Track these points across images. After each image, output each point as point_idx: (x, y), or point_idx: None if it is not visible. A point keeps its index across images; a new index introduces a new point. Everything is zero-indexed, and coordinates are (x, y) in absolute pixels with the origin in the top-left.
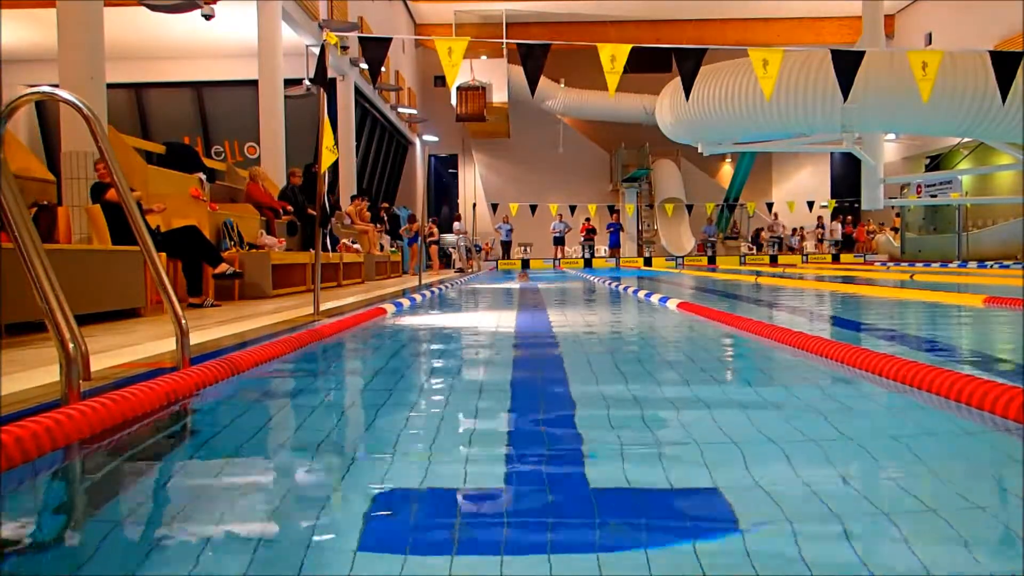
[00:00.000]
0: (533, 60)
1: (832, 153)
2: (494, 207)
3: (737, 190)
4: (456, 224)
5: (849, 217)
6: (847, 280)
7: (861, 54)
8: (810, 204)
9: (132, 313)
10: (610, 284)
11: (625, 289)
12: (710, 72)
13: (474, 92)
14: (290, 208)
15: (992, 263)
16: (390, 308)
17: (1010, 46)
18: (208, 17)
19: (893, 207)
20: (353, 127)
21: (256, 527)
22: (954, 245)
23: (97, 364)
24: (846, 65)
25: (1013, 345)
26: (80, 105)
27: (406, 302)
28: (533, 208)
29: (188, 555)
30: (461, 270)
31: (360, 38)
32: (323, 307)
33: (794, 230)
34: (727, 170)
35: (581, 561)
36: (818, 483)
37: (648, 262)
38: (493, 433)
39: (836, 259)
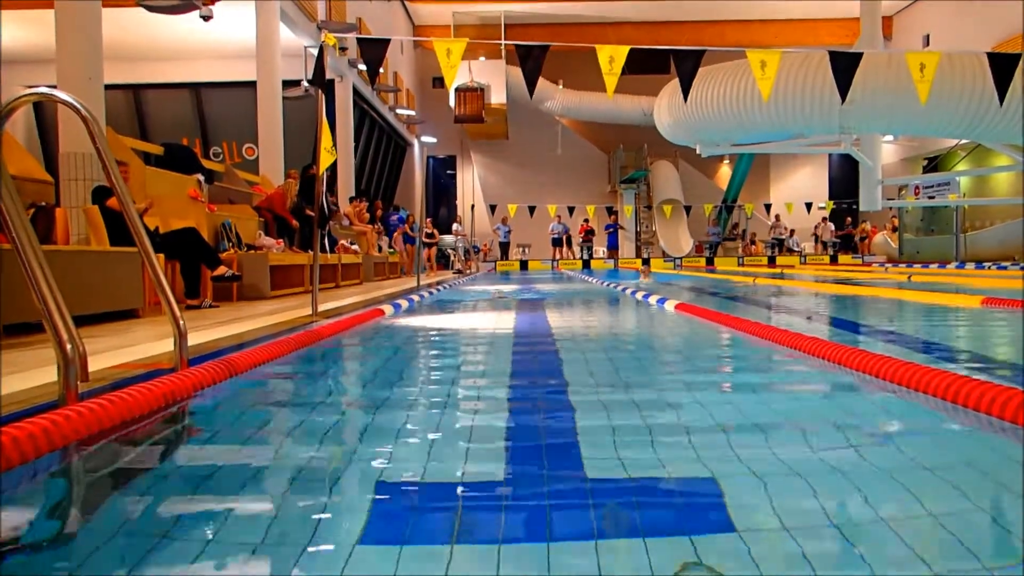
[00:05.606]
0: (532, 61)
1: (830, 154)
2: (492, 208)
3: (735, 191)
4: (455, 226)
5: (848, 219)
6: (845, 281)
7: (859, 55)
8: (808, 205)
9: (130, 314)
10: (610, 286)
11: (623, 291)
12: (708, 74)
13: (472, 93)
14: (295, 224)
15: (990, 264)
16: (388, 309)
17: (1008, 47)
18: (206, 18)
19: (891, 208)
20: (351, 128)
21: (254, 527)
22: (952, 246)
23: (95, 365)
24: (844, 66)
25: (1011, 346)
26: (78, 106)
27: (404, 303)
28: (531, 209)
29: (187, 555)
30: (460, 271)
31: (358, 39)
32: (321, 308)
33: (792, 231)
34: (725, 171)
35: (578, 549)
36: (815, 482)
37: (646, 263)
38: (493, 432)
39: (834, 260)
